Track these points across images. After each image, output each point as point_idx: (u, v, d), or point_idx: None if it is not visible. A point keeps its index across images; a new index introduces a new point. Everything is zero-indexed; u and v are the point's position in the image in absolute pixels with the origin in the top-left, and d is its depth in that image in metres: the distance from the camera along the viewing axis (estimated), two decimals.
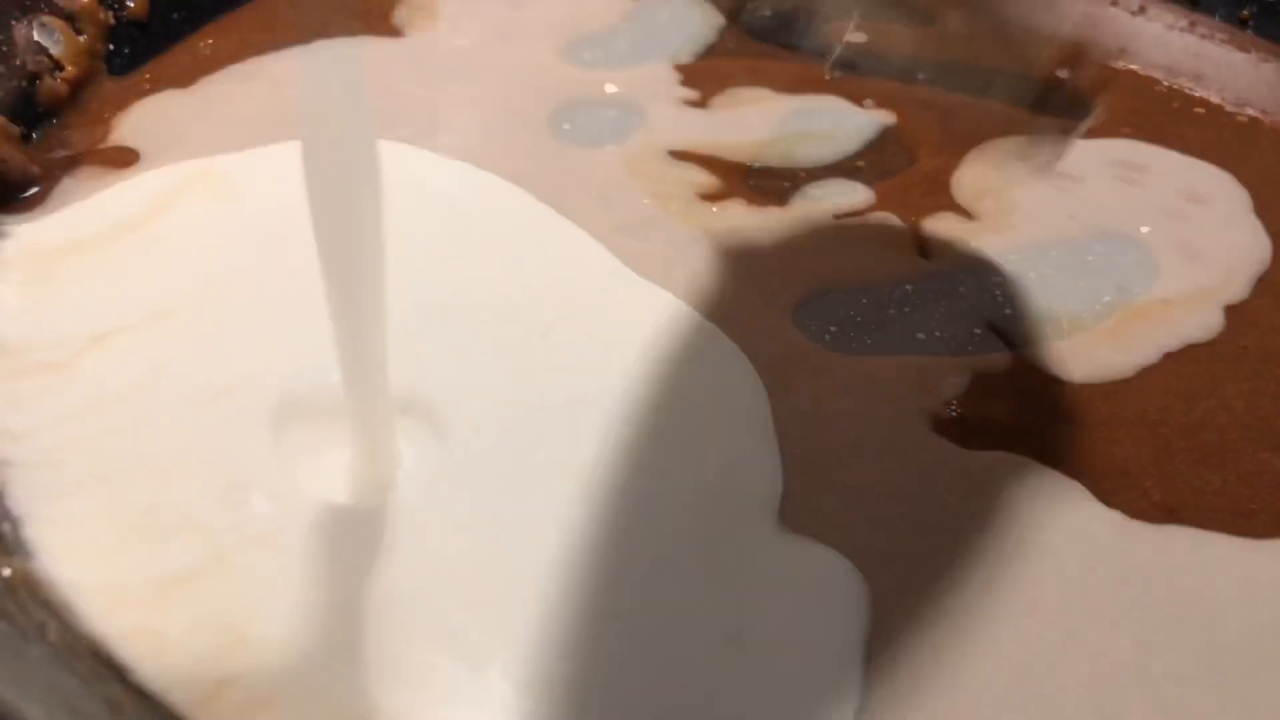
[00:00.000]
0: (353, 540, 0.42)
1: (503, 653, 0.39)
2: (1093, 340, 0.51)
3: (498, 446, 0.46)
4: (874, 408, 0.48)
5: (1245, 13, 0.71)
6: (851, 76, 0.65)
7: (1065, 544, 0.44)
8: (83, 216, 0.55)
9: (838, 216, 0.58)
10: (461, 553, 0.42)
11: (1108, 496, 0.45)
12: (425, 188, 0.56)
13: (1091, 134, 0.61)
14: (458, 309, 0.50)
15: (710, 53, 0.69)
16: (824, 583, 0.42)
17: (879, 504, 0.45)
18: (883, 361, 0.50)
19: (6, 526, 0.42)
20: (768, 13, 0.72)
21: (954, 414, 0.48)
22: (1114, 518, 0.45)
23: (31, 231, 0.54)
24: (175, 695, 0.38)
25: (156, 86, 0.63)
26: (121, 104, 0.62)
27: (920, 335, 0.51)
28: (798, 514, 0.44)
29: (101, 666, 0.38)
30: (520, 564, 0.42)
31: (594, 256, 0.53)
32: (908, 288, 0.54)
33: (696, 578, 0.42)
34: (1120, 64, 0.68)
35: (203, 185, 0.57)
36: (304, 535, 0.42)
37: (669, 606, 0.41)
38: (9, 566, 0.40)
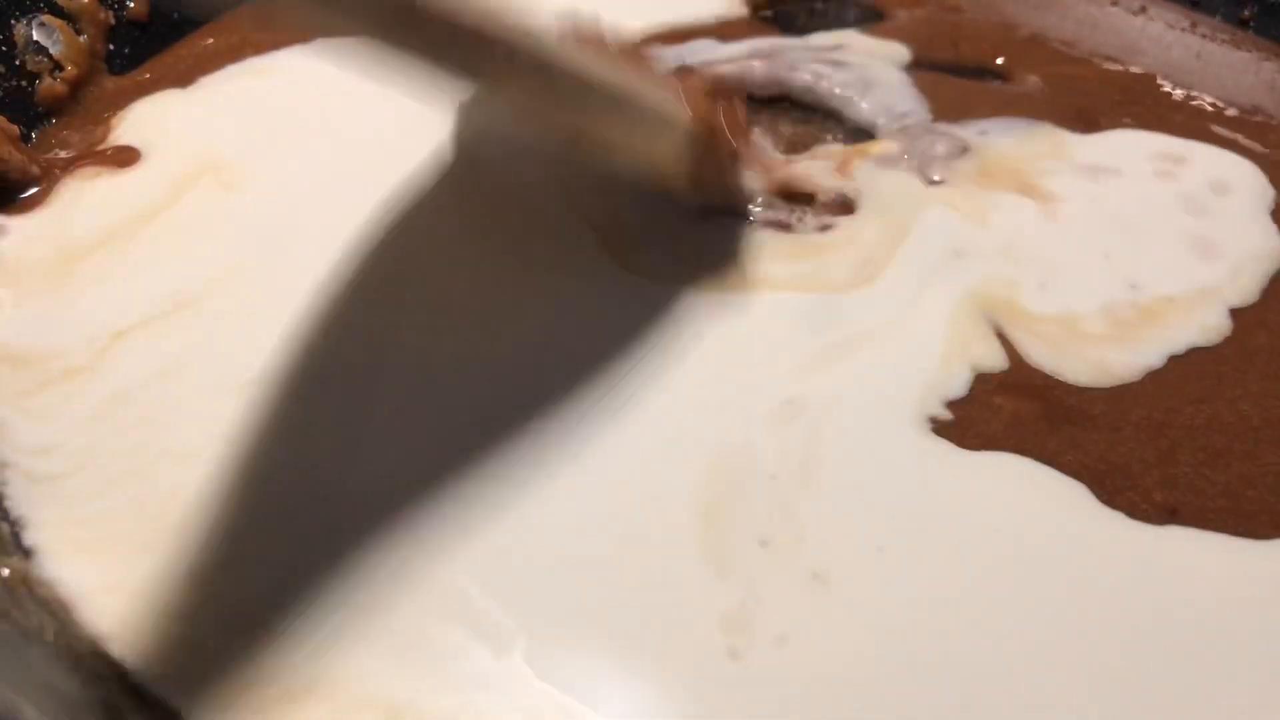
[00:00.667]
0: (376, 529, 0.43)
1: (525, 638, 0.40)
2: (1100, 341, 0.51)
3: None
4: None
5: (1246, 13, 0.70)
6: None
7: (1064, 544, 0.44)
8: (90, 215, 0.55)
9: None
10: (486, 538, 0.43)
11: (1109, 497, 0.45)
12: None
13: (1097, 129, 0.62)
14: None
15: None
16: None
17: None
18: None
19: (5, 527, 0.42)
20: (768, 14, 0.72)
21: (955, 414, 0.48)
22: (1114, 518, 0.44)
23: (36, 235, 0.54)
24: (201, 699, 0.38)
25: (157, 85, 0.63)
26: (121, 103, 0.62)
27: None
28: None
29: (101, 667, 0.38)
30: (541, 550, 0.42)
31: None
32: None
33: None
34: (1121, 63, 0.68)
35: (210, 176, 0.57)
36: (325, 525, 0.43)
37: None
38: (8, 566, 0.40)
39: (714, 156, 0.53)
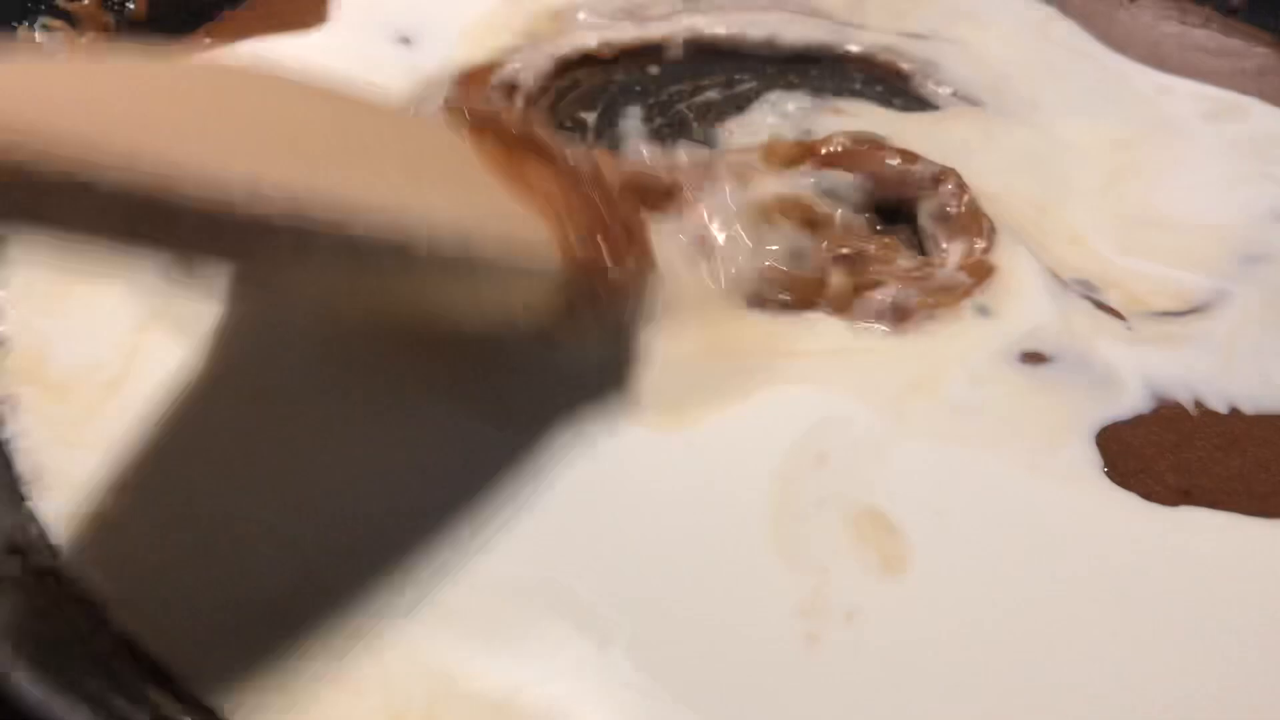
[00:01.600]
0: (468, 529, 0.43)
1: (629, 632, 0.40)
2: None
3: None
4: None
5: (1234, 1, 0.71)
6: None
7: (1073, 524, 0.44)
8: None
9: None
10: (591, 533, 0.43)
11: (1123, 479, 0.46)
12: None
13: None
14: None
15: None
16: None
17: None
18: None
19: (34, 528, 0.42)
20: None
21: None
22: (1127, 498, 0.45)
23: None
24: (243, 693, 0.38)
25: None
26: None
27: None
28: None
29: (139, 668, 0.38)
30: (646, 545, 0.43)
31: None
32: None
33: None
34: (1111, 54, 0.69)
35: None
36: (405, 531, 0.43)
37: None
38: (41, 566, 0.40)
39: (586, 299, 0.44)
